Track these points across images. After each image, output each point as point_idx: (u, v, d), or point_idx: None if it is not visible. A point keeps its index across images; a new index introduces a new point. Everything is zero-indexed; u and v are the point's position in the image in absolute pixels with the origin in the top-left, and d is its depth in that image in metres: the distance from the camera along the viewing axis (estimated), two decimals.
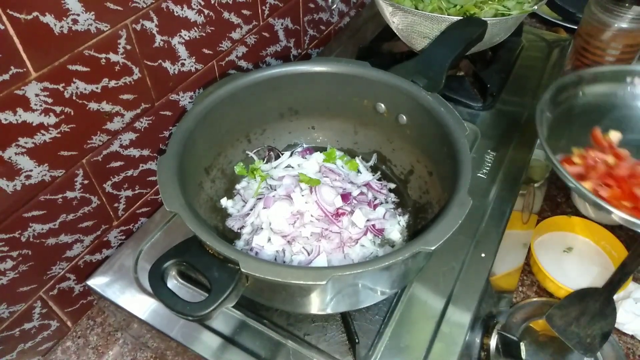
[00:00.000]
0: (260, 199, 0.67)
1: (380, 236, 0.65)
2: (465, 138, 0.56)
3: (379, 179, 0.73)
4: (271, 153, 0.74)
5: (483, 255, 0.64)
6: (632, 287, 0.77)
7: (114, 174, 0.66)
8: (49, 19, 0.50)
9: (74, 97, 0.56)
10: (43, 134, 0.54)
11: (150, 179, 0.73)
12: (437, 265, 0.62)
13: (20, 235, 0.56)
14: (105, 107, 0.60)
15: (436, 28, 0.78)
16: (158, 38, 0.64)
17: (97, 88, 0.58)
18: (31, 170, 0.55)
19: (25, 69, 0.50)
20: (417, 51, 0.87)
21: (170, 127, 0.73)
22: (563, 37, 1.06)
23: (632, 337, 0.74)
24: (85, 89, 0.57)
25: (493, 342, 0.60)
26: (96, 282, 0.62)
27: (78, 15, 0.52)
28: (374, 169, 0.74)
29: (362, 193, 0.68)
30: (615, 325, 0.73)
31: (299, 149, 0.76)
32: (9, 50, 0.48)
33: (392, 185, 0.72)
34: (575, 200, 0.90)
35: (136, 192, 0.71)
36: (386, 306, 0.59)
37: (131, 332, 0.66)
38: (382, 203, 0.69)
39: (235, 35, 0.78)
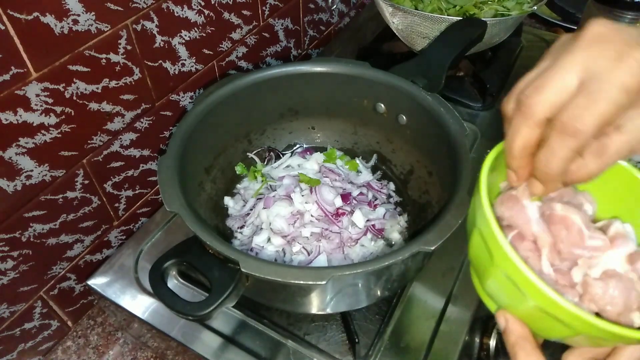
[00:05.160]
0: (260, 199, 0.67)
1: (380, 236, 0.65)
2: (465, 138, 0.56)
3: (379, 179, 0.73)
4: (271, 153, 0.74)
5: None
6: None
7: (114, 174, 0.66)
8: (49, 19, 0.50)
9: (74, 98, 0.56)
10: (43, 134, 0.54)
11: (150, 179, 0.73)
12: (437, 265, 0.62)
13: (20, 235, 0.56)
14: (106, 107, 0.60)
15: (436, 28, 0.78)
16: (158, 38, 0.64)
17: (97, 88, 0.58)
18: (32, 171, 0.55)
19: (25, 69, 0.50)
20: (417, 51, 0.87)
21: (171, 127, 0.73)
22: None
23: None
24: (85, 89, 0.57)
25: (493, 342, 0.60)
26: (96, 282, 0.63)
27: (78, 15, 0.53)
28: (374, 169, 0.74)
29: (362, 193, 0.68)
30: None
31: (299, 149, 0.76)
32: (10, 50, 0.48)
33: (392, 186, 0.72)
34: None
35: (136, 192, 0.71)
36: (386, 306, 0.59)
37: (131, 331, 0.66)
38: (382, 203, 0.69)
39: (236, 35, 0.78)
